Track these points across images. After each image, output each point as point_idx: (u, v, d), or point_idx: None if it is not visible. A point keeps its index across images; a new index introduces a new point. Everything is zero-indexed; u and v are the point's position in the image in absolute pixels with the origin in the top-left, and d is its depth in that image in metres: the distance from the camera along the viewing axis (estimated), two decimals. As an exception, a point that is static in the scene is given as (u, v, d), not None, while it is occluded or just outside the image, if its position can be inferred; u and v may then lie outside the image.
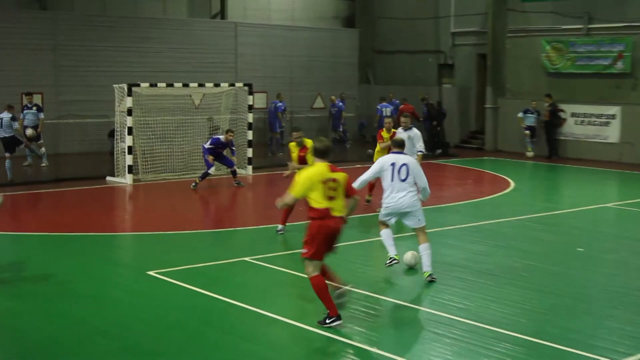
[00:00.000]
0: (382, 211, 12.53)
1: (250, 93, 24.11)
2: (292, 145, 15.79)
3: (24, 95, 24.74)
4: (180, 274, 12.07)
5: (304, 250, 9.82)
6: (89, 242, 14.73)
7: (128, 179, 21.40)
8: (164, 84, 23.21)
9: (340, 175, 9.82)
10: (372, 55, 36.89)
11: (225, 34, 32.20)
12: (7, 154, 21.35)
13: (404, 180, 12.10)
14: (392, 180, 12.12)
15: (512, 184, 22.37)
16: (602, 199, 20.51)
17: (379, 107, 30.45)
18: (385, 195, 12.32)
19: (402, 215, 12.33)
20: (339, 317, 9.72)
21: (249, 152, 23.82)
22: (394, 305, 10.96)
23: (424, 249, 12.20)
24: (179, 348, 9.24)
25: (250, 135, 23.86)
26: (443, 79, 34.24)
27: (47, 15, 28.28)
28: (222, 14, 33.26)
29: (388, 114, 29.67)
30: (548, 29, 30.20)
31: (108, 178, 22.11)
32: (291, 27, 34.59)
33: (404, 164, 12.13)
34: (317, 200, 9.67)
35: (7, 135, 21.66)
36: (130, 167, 21.55)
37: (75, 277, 12.25)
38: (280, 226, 15.27)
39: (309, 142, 15.34)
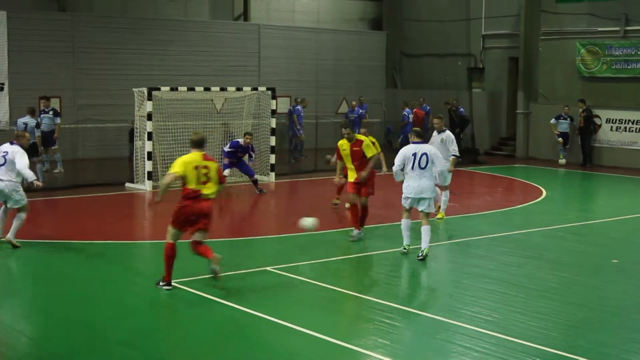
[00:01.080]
0: (403, 196, 14.10)
1: (274, 97, 24.23)
2: (342, 142, 15.74)
3: (40, 99, 25.01)
4: (200, 283, 12.17)
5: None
6: (107, 251, 14.87)
7: (148, 186, 21.56)
8: (185, 88, 23.37)
9: (212, 164, 11.85)
10: (400, 58, 36.94)
11: (248, 36, 32.39)
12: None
13: (423, 168, 13.86)
14: (412, 168, 13.86)
15: (544, 193, 22.31)
16: (638, 209, 20.40)
17: (405, 112, 30.44)
18: (405, 181, 14.00)
19: (419, 200, 13.95)
20: (169, 284, 11.80)
21: (272, 159, 23.92)
22: (420, 317, 11.00)
23: (427, 230, 13.95)
24: (197, 359, 9.34)
25: (272, 141, 23.97)
26: (473, 83, 34.18)
27: (65, 16, 28.57)
28: (245, 15, 33.47)
29: (411, 120, 29.70)
30: (583, 31, 30.08)
31: (127, 184, 22.28)
32: (316, 29, 34.74)
33: (424, 153, 13.90)
34: (190, 183, 11.62)
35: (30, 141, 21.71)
36: (150, 173, 21.69)
37: (93, 286, 12.39)
38: (355, 231, 15.53)
39: (360, 136, 15.83)
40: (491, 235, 16.37)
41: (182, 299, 11.55)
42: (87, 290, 12.19)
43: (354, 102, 31.81)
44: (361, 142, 15.48)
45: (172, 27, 30.53)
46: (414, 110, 30.38)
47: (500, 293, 12.06)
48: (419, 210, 14.04)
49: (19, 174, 14.41)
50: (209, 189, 11.74)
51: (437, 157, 14.07)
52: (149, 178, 21.64)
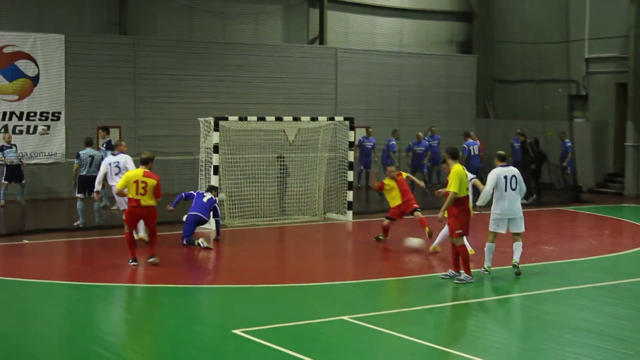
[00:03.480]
0: (492, 218, 16.21)
1: (352, 128, 24.22)
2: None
3: (100, 130, 25.47)
4: (270, 333, 12.13)
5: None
6: (167, 296, 14.96)
7: (212, 225, 21.62)
8: (254, 118, 23.47)
9: (150, 180, 16.56)
10: (492, 85, 36.71)
11: (324, 61, 32.59)
12: (80, 195, 21.73)
13: (514, 190, 16.12)
14: (505, 190, 16.05)
15: (658, 236, 21.83)
16: None
17: (465, 145, 29.86)
18: (498, 202, 16.11)
19: (510, 221, 16.16)
20: (134, 261, 16.91)
21: (349, 195, 23.86)
22: (516, 376, 10.76)
23: (518, 246, 16.38)
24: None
25: (350, 176, 23.94)
26: (575, 113, 33.74)
27: (126, 40, 29.14)
28: (321, 38, 33.71)
29: (476, 152, 29.08)
30: (701, 54, 29.53)
31: (191, 223, 22.43)
32: (399, 53, 34.79)
33: (513, 175, 16.18)
34: (131, 193, 16.59)
35: (94, 175, 21.88)
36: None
37: (151, 335, 12.45)
38: (450, 271, 15.99)
39: (456, 166, 16.13)
40: (597, 284, 16.01)
41: (250, 352, 11.51)
42: (143, 340, 12.24)
43: (420, 133, 31.14)
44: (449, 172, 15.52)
45: (242, 51, 30.92)
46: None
47: (608, 350, 11.73)
48: (513, 231, 16.26)
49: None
50: (146, 199, 16.57)
51: (521, 179, 16.34)
52: (215, 215, 21.62)
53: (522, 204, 17.05)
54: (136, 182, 16.54)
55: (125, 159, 19.90)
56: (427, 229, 19.37)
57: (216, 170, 21.88)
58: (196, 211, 19.88)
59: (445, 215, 15.80)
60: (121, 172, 19.36)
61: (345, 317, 13.14)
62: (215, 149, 21.87)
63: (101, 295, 15.09)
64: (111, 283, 15.81)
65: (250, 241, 20.61)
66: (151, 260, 17.01)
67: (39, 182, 26.44)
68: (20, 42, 26.99)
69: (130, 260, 16.94)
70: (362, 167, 30.61)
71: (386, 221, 20.09)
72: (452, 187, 15.41)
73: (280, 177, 23.98)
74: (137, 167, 18.18)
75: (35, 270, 16.98)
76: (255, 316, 13.27)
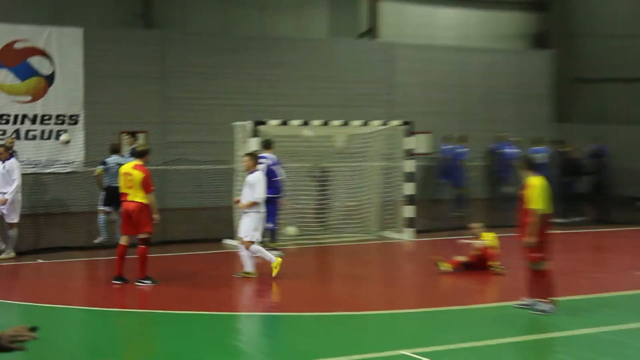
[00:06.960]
0: None
1: (410, 134, 24.03)
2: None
3: (123, 135, 25.48)
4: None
5: None
6: (200, 323, 14.84)
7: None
8: (298, 122, 23.40)
9: (136, 173, 17.21)
10: (573, 84, 36.37)
11: (376, 57, 32.53)
12: (106, 208, 21.67)
13: None
14: None
15: None
16: None
17: (505, 150, 29.70)
18: None
19: None
20: (119, 279, 17.33)
21: (408, 211, 23.62)
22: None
23: None
24: None
25: (409, 189, 23.70)
26: (669, 116, 33.40)
27: (153, 35, 29.31)
28: (373, 32, 33.63)
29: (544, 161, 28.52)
30: None
31: (225, 241, 22.38)
32: (463, 48, 34.67)
33: None
34: (121, 187, 17.49)
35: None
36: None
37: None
38: (526, 299, 15.37)
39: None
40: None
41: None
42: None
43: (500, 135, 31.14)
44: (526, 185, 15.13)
45: (283, 46, 30.98)
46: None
47: None
48: None
49: None
50: (133, 193, 17.20)
51: None
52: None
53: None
54: (124, 174, 17.47)
55: (10, 165, 20.27)
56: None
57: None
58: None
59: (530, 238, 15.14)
60: (3, 179, 20.05)
61: (405, 351, 12.91)
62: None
63: (123, 321, 15.06)
64: (135, 309, 15.81)
65: (293, 263, 20.45)
66: (138, 284, 17.28)
67: (55, 194, 26.49)
68: (34, 37, 27.20)
69: (114, 279, 17.39)
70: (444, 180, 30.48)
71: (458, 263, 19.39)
72: (534, 204, 14.94)
73: (323, 190, 23.73)
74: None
75: (50, 293, 16.99)
76: (301, 349, 13.14)
